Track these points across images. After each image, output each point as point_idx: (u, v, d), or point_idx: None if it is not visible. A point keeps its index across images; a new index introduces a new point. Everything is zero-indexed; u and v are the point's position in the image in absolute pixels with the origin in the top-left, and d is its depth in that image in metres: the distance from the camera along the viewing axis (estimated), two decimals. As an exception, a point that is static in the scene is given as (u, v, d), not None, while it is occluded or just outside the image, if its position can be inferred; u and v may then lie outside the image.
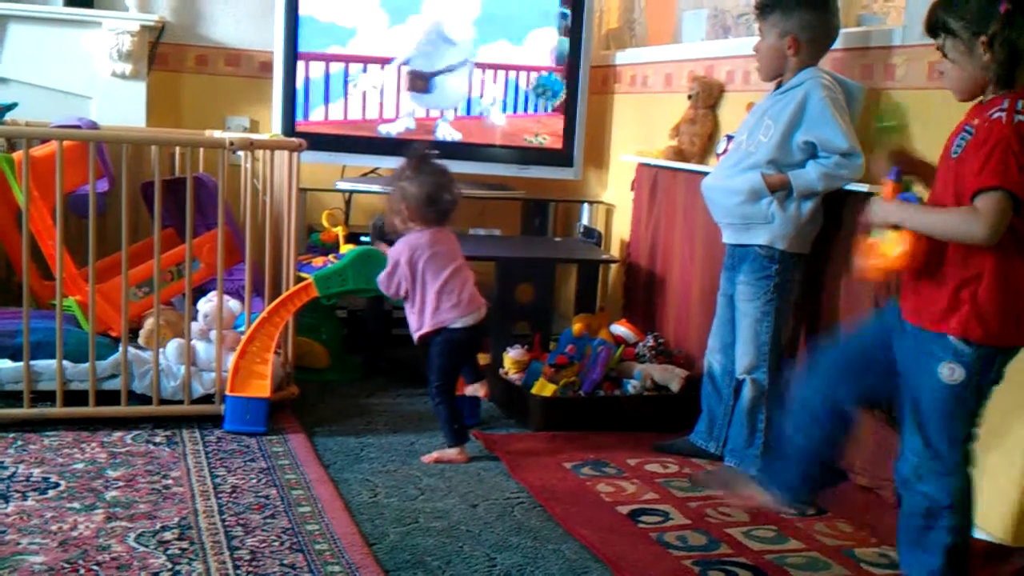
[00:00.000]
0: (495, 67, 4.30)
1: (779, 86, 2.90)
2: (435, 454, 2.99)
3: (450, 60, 4.24)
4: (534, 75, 4.33)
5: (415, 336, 3.02)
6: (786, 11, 2.82)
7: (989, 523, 2.56)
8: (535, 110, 4.35)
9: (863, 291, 2.79)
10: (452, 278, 2.96)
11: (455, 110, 4.30)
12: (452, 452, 2.99)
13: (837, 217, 2.90)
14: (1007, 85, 2.00)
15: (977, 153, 1.98)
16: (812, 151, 2.80)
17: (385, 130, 4.23)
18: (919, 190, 2.20)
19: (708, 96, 3.67)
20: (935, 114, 2.72)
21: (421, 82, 4.22)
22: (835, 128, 2.73)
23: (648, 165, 3.97)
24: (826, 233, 2.90)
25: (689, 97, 3.72)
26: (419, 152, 3.03)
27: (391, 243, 3.41)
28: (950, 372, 2.08)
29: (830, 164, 2.75)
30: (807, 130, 2.78)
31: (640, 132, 4.26)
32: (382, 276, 3.03)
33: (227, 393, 3.05)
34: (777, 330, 2.87)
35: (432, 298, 2.95)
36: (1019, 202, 1.94)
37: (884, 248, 2.13)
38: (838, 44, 2.93)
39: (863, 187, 2.76)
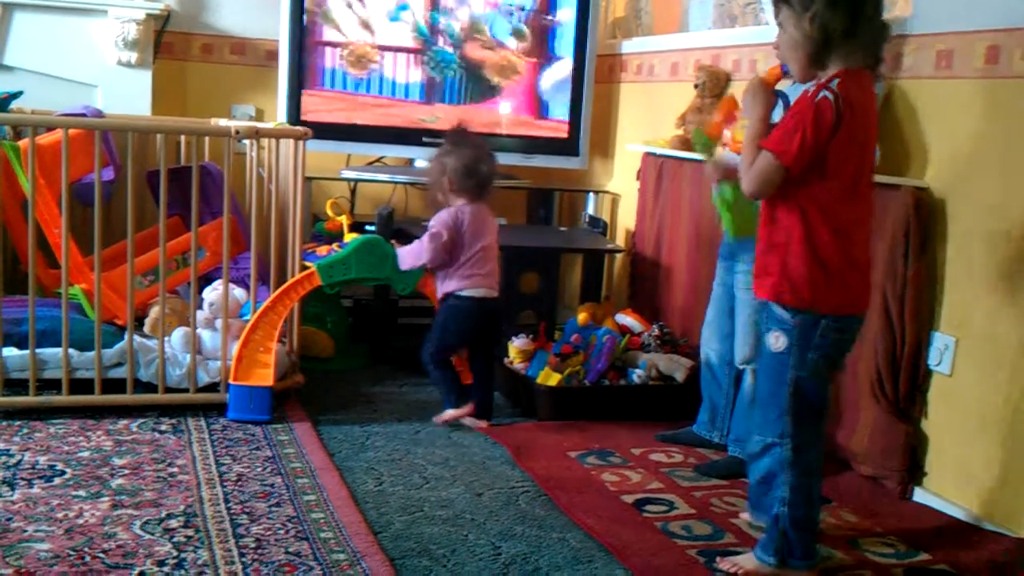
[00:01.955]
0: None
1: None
2: (445, 415, 3.15)
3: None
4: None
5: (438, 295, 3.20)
6: None
7: (978, 504, 2.58)
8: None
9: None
10: (481, 253, 3.12)
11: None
12: (457, 411, 3.14)
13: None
14: (817, 65, 2.12)
15: (783, 118, 2.15)
16: None
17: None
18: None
19: (715, 85, 3.66)
20: (943, 104, 2.71)
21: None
22: None
23: (654, 154, 3.96)
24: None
25: (696, 86, 3.70)
26: (458, 128, 3.28)
27: (398, 234, 3.42)
28: (775, 340, 2.19)
29: None
30: None
31: (646, 121, 4.25)
32: (421, 244, 3.11)
33: (230, 382, 3.06)
34: None
35: (452, 268, 3.12)
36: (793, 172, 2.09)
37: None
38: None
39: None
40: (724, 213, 2.58)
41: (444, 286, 3.15)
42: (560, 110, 4.39)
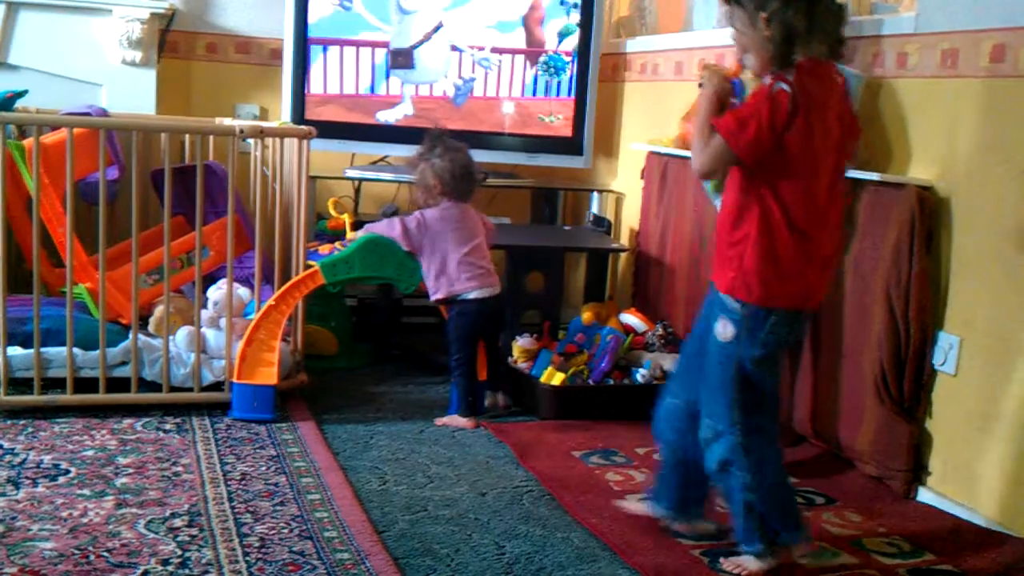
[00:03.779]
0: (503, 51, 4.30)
1: None
2: (446, 418, 3.17)
3: (423, 30, 4.21)
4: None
5: (431, 299, 3.23)
6: None
7: (983, 504, 2.57)
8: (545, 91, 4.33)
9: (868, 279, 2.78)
10: (473, 252, 3.17)
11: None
12: (462, 420, 3.16)
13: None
14: (782, 63, 2.09)
15: (740, 105, 2.16)
16: None
17: (383, 117, 4.23)
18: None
19: (719, 84, 3.65)
20: (947, 102, 2.71)
21: (402, 59, 4.20)
22: None
23: (658, 154, 3.96)
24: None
25: (699, 85, 3.68)
26: (439, 132, 3.30)
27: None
28: (723, 328, 2.19)
29: None
30: None
31: (650, 120, 4.25)
32: (400, 227, 3.17)
33: (234, 381, 3.06)
34: None
35: (453, 268, 3.16)
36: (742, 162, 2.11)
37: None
38: (850, 33, 2.90)
39: (858, 174, 2.81)
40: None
41: (443, 288, 3.17)
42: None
